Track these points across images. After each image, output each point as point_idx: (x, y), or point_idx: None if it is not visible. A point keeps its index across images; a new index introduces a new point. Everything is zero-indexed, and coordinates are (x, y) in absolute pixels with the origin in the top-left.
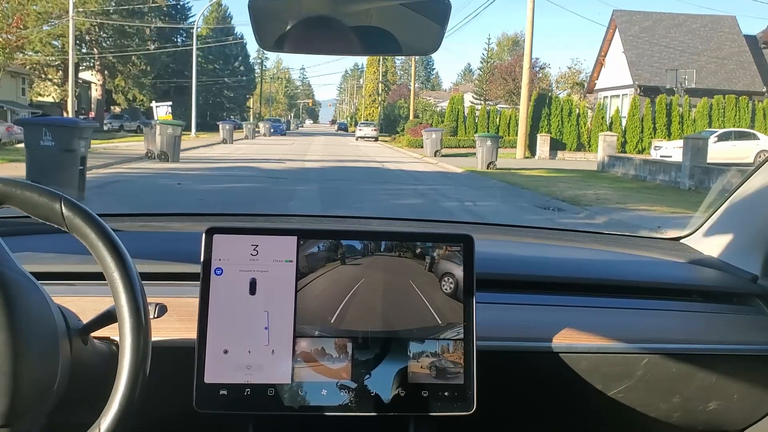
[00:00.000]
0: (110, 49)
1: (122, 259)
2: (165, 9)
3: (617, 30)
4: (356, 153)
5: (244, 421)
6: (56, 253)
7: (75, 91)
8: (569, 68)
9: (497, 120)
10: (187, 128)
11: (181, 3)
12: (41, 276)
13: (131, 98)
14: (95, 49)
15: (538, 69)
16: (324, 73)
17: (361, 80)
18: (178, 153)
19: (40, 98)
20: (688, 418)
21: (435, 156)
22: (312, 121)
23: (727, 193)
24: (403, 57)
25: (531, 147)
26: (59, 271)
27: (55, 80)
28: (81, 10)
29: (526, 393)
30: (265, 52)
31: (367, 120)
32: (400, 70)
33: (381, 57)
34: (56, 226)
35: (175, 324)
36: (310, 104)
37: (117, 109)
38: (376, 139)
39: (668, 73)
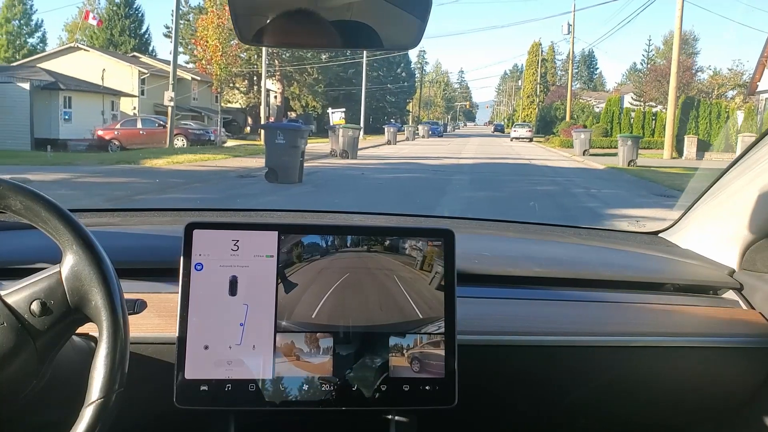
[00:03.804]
0: (289, 61)
1: (96, 256)
2: None
3: None
4: (508, 152)
5: (226, 417)
6: (26, 249)
7: (260, 99)
8: (730, 70)
9: (653, 122)
10: None
11: None
12: (18, 272)
13: (305, 104)
14: (276, 61)
15: (695, 71)
16: (483, 77)
17: (520, 81)
18: (356, 151)
19: (228, 105)
20: (668, 408)
21: (583, 155)
22: (468, 123)
23: (705, 188)
24: (564, 57)
25: (679, 148)
26: (36, 267)
27: (242, 89)
28: None
29: (506, 386)
30: (426, 57)
31: (523, 121)
32: (560, 70)
33: (540, 58)
34: (27, 222)
35: (154, 320)
36: (467, 106)
37: (293, 115)
38: (531, 140)
39: None
